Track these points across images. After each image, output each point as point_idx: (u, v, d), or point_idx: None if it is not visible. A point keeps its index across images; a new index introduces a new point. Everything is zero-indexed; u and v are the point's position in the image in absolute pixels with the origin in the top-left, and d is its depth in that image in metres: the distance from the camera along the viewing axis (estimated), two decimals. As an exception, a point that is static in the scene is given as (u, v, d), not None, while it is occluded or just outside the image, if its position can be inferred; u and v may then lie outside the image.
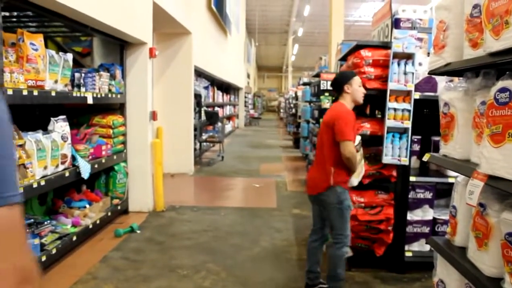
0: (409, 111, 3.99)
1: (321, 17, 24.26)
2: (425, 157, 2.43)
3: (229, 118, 19.54)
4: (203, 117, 11.30)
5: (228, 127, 17.81)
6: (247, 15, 26.26)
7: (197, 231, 5.43)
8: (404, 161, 4.03)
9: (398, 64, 4.02)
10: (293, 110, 16.74)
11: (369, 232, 4.23)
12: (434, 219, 4.13)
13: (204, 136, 11.66)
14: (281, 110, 15.03)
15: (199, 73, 10.95)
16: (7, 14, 4.30)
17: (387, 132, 4.06)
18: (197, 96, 10.18)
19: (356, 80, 3.53)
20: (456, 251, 2.15)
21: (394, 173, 4.16)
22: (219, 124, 12.67)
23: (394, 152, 4.06)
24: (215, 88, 14.71)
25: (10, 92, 3.30)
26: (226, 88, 18.52)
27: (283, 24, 30.69)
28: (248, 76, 30.42)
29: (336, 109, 3.49)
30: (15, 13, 4.37)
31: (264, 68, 49.20)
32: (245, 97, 26.84)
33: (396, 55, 4.03)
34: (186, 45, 8.98)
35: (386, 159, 4.06)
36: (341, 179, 3.42)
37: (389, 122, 4.03)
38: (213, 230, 5.46)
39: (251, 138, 18.52)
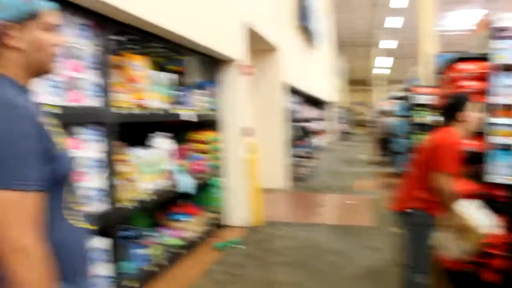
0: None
1: (410, 29, 23.54)
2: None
3: (320, 133, 19.41)
4: (295, 132, 11.31)
5: (319, 142, 17.67)
6: (335, 28, 26.11)
7: (294, 247, 5.40)
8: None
9: (501, 77, 3.71)
10: (385, 125, 16.28)
11: (476, 256, 3.93)
12: None
13: (297, 152, 11.65)
14: (371, 125, 14.60)
15: (290, 89, 10.99)
16: (113, 38, 4.61)
17: (491, 149, 3.77)
18: (289, 111, 10.22)
19: (471, 107, 3.12)
20: None
21: (502, 193, 3.84)
22: (311, 139, 12.61)
23: (501, 170, 3.74)
24: (306, 103, 14.69)
25: (119, 111, 3.52)
26: (317, 102, 18.43)
27: (371, 37, 30.13)
28: (338, 90, 30.12)
29: (443, 137, 3.19)
30: (120, 37, 4.66)
31: (353, 82, 48.40)
32: (336, 111, 26.57)
33: (498, 67, 3.74)
34: (276, 61, 9.09)
35: (492, 177, 3.76)
36: (426, 205, 3.18)
37: (493, 139, 3.74)
38: (309, 247, 5.40)
39: (343, 153, 18.25)
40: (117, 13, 3.36)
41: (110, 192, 3.43)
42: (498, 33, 3.87)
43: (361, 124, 44.03)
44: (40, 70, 1.45)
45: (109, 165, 3.42)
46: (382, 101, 22.06)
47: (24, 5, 1.37)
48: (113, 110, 3.47)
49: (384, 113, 15.77)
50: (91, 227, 1.55)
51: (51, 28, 1.44)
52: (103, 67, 3.40)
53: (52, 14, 1.45)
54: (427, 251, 3.25)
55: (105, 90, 3.39)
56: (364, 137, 28.41)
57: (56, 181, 1.36)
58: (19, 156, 1.24)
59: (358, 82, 47.67)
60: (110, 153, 3.43)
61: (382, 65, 34.32)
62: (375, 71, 35.27)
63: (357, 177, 11.39)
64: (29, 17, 1.38)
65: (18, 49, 1.38)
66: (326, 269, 4.69)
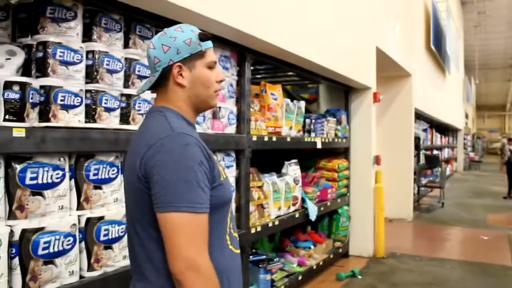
0: None
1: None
2: None
3: (447, 161, 18.41)
4: (422, 160, 10.85)
5: (447, 171, 16.75)
6: (466, 51, 24.74)
7: (421, 283, 5.11)
8: None
9: None
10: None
11: None
12: None
13: (424, 181, 11.17)
14: (506, 153, 13.49)
15: (418, 115, 10.61)
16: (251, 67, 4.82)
17: None
18: (416, 139, 9.85)
19: None
20: None
21: None
22: (439, 168, 12.00)
23: None
24: (434, 130, 14.06)
25: (254, 138, 3.64)
26: (444, 129, 17.58)
27: (507, 58, 28.07)
28: (467, 116, 28.39)
29: None
30: (256, 66, 4.85)
31: (484, 107, 45.36)
32: (464, 138, 25.05)
33: None
34: (406, 87, 8.83)
35: None
36: None
37: None
38: (439, 285, 5.06)
39: (472, 183, 17.06)
40: (256, 43, 3.48)
41: (244, 217, 3.54)
42: None
43: (493, 152, 40.90)
44: (203, 105, 1.58)
45: (244, 190, 3.54)
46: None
47: (190, 45, 1.50)
48: (250, 137, 3.59)
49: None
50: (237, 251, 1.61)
51: (212, 65, 1.56)
52: (242, 96, 3.54)
53: (212, 52, 1.57)
54: None
55: (243, 118, 3.53)
56: (497, 166, 26.33)
57: (218, 206, 1.45)
58: (191, 180, 1.34)
59: (492, 108, 44.58)
60: (245, 178, 3.55)
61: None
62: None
63: (490, 210, 10.56)
64: (195, 56, 1.52)
65: (182, 86, 1.52)
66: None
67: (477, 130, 42.50)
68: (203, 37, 1.53)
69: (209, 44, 1.55)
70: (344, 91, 5.98)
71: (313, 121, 4.96)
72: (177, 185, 1.32)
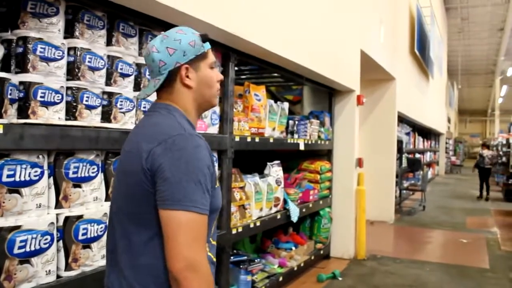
0: None
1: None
2: None
3: (429, 165, 18.60)
4: (404, 163, 10.95)
5: (428, 174, 16.93)
6: (449, 56, 25.04)
7: (402, 285, 5.15)
8: None
9: None
10: (503, 159, 15.23)
11: None
12: None
13: (405, 184, 11.26)
14: (486, 158, 13.81)
15: (401, 119, 10.70)
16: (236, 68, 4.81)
17: None
18: (399, 142, 9.93)
19: None
20: None
21: None
22: (421, 171, 12.12)
23: None
24: (416, 134, 14.19)
25: (237, 139, 3.63)
26: (427, 133, 17.75)
27: (489, 64, 28.49)
28: (449, 120, 28.73)
29: None
30: (240, 67, 4.84)
31: (466, 112, 45.96)
32: (446, 142, 25.35)
33: None
34: (389, 91, 8.90)
35: None
36: None
37: None
38: (418, 287, 5.12)
39: (454, 187, 17.27)
40: (240, 43, 3.47)
41: (225, 218, 3.53)
42: None
43: (474, 156, 41.48)
44: (207, 104, 1.63)
45: (227, 191, 3.53)
46: (502, 133, 20.67)
47: (195, 47, 1.54)
48: (233, 138, 3.58)
49: (506, 146, 14.78)
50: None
51: (214, 65, 1.61)
52: (226, 96, 3.53)
53: (211, 53, 1.62)
54: None
55: (226, 118, 3.52)
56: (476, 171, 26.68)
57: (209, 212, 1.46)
58: (200, 182, 1.37)
59: (473, 112, 45.16)
60: (227, 179, 3.54)
61: (500, 95, 32.18)
62: (495, 101, 33.05)
63: (469, 213, 10.73)
64: (199, 58, 1.55)
65: (190, 87, 1.55)
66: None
67: (459, 134, 43.04)
68: (203, 38, 1.58)
69: (208, 45, 1.60)
70: (328, 93, 6.00)
71: (297, 122, 4.96)
72: (188, 185, 1.34)
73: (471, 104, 43.08)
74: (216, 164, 3.45)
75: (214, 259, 1.59)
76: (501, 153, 16.55)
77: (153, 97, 1.64)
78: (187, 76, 1.53)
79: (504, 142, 15.69)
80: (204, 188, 1.38)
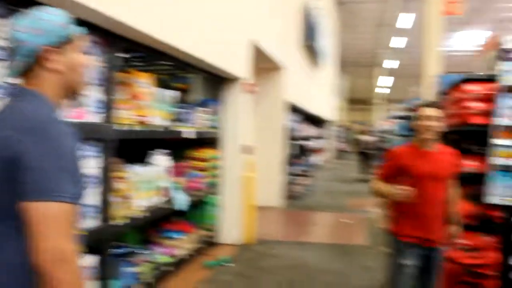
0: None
1: (412, 49, 23.71)
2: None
3: (318, 151, 19.41)
4: (293, 150, 11.32)
5: (317, 160, 17.67)
6: (338, 48, 26.28)
7: (287, 266, 5.38)
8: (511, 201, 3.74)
9: (506, 98, 3.77)
10: (384, 144, 16.30)
11: (470, 276, 3.95)
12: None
13: (294, 170, 11.65)
14: (366, 143, 14.92)
15: (291, 107, 11.02)
16: (120, 55, 4.63)
17: (492, 170, 3.79)
18: (288, 130, 10.24)
19: (422, 112, 3.11)
20: None
21: (499, 214, 3.87)
22: (309, 157, 12.63)
23: (501, 192, 3.78)
24: (305, 121, 14.72)
25: (121, 127, 3.52)
26: (316, 121, 18.47)
27: (373, 56, 30.33)
28: (337, 108, 30.19)
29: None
30: (127, 54, 4.66)
31: (354, 101, 48.53)
32: (334, 130, 26.61)
33: (503, 89, 3.78)
34: (279, 80, 9.14)
35: (491, 198, 3.79)
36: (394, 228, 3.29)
37: (495, 160, 3.77)
38: (302, 266, 5.38)
39: (340, 171, 18.25)
40: (124, 30, 3.36)
41: (104, 209, 3.41)
42: (505, 54, 3.93)
43: (358, 143, 44.08)
44: (73, 90, 1.55)
45: (106, 182, 3.41)
46: (382, 120, 22.12)
47: (63, 30, 1.46)
48: (114, 126, 3.46)
49: (386, 132, 15.87)
50: (82, 246, 1.57)
51: (82, 50, 1.55)
52: (108, 83, 3.40)
53: (82, 37, 1.56)
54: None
55: (108, 106, 3.40)
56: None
57: None
58: (66, 170, 1.32)
59: (359, 101, 47.82)
60: (107, 169, 3.42)
61: (383, 85, 34.51)
62: (377, 90, 35.39)
63: (352, 195, 11.43)
64: (67, 41, 1.48)
65: (56, 71, 1.47)
66: (319, 289, 4.68)
67: (347, 122, 45.45)
68: (73, 21, 1.51)
69: (79, 28, 1.53)
70: (218, 82, 6.01)
71: (185, 110, 4.93)
72: (53, 173, 1.29)
73: (358, 93, 45.61)
74: (98, 154, 3.31)
75: (81, 249, 1.54)
76: (381, 138, 17.70)
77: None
78: (53, 60, 1.46)
79: (384, 128, 16.77)
80: (70, 176, 1.33)
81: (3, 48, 2.40)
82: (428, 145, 3.10)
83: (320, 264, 5.50)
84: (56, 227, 1.28)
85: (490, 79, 3.97)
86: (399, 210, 3.21)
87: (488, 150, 3.84)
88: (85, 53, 1.57)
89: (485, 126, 3.86)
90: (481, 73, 4.39)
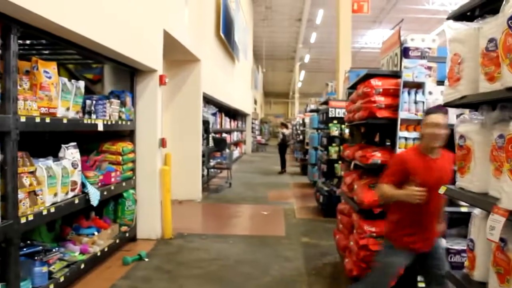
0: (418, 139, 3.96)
1: (327, 44, 24.55)
2: (441, 190, 2.39)
3: (236, 144, 19.56)
4: (211, 143, 11.32)
5: (236, 153, 17.82)
6: (255, 41, 26.58)
7: (206, 259, 5.37)
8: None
9: (409, 93, 4.03)
10: (301, 137, 16.77)
11: None
12: (447, 249, 4.06)
13: (212, 163, 11.67)
14: (284, 136, 15.39)
15: (207, 100, 11.02)
16: (21, 42, 4.35)
17: None
18: (205, 123, 10.23)
19: (429, 119, 3.08)
20: (476, 286, 2.10)
21: None
22: (227, 150, 12.69)
23: None
24: (223, 115, 14.78)
25: (23, 119, 3.33)
26: (234, 114, 18.61)
27: (290, 51, 31.03)
28: (255, 102, 30.59)
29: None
30: (29, 41, 4.42)
31: (271, 94, 49.47)
32: (252, 123, 26.94)
33: (406, 84, 4.03)
34: (195, 72, 9.08)
35: None
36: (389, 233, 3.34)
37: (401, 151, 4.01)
38: (222, 259, 5.40)
39: (259, 164, 18.51)
40: (23, 14, 3.15)
41: (11, 206, 3.22)
42: (407, 52, 4.19)
43: (277, 135, 44.95)
44: None
45: (10, 176, 3.21)
46: (300, 114, 22.69)
47: None
48: (17, 118, 3.26)
49: (302, 125, 16.32)
50: None
51: None
52: (7, 72, 3.19)
53: None
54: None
55: (9, 97, 3.19)
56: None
57: None
58: None
59: (278, 95, 48.73)
60: (11, 163, 3.22)
61: (301, 79, 35.39)
62: (295, 84, 36.22)
63: (271, 187, 11.62)
64: None
65: None
66: (239, 280, 4.72)
67: (265, 115, 46.15)
68: None
69: None
70: (130, 73, 5.84)
71: (95, 102, 4.74)
72: None
73: (275, 87, 46.48)
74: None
75: None
76: (299, 131, 18.17)
77: None
78: None
79: (301, 121, 17.24)
80: None
81: None
82: (434, 153, 3.09)
83: (239, 256, 5.54)
84: None
85: (395, 75, 4.20)
86: (398, 216, 3.22)
87: (394, 142, 4.04)
88: None
89: (391, 119, 4.07)
90: (385, 70, 4.64)
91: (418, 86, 4.05)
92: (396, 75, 4.20)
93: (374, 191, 4.03)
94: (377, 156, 4.17)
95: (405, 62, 4.25)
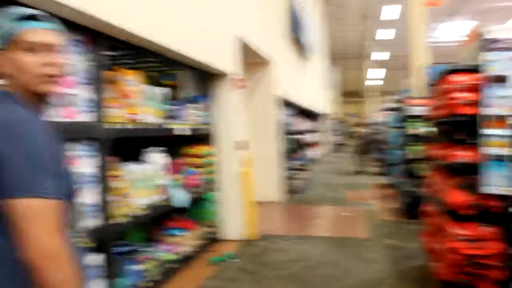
0: (508, 137, 3.68)
1: (402, 40, 23.81)
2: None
3: (312, 144, 19.44)
4: (289, 144, 11.33)
5: (313, 154, 17.69)
6: (328, 41, 26.33)
7: (289, 260, 5.37)
8: (507, 190, 3.69)
9: (493, 88, 3.75)
10: (378, 136, 16.36)
11: (471, 267, 3.91)
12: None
13: (291, 164, 11.66)
14: (362, 136, 15.07)
15: (284, 101, 11.02)
16: (106, 53, 4.61)
17: (485, 160, 3.77)
18: (282, 124, 10.24)
19: None
20: None
21: (496, 204, 3.83)
22: (304, 151, 12.64)
23: (496, 181, 3.74)
24: (299, 116, 14.74)
25: (112, 126, 3.51)
26: (310, 115, 18.50)
27: (363, 48, 30.41)
28: (330, 102, 30.25)
29: None
30: (114, 53, 4.65)
31: (346, 93, 48.64)
32: (329, 123, 26.65)
33: (490, 79, 3.77)
34: (268, 74, 9.15)
35: (487, 188, 3.74)
36: None
37: (487, 149, 3.75)
38: (304, 260, 5.37)
39: (336, 164, 18.28)
40: (110, 29, 3.36)
41: (104, 208, 3.41)
42: (489, 44, 3.90)
43: (355, 135, 44.17)
44: (30, 91, 1.44)
45: (103, 181, 3.40)
46: (375, 112, 22.17)
47: (7, 31, 1.40)
48: (106, 125, 3.45)
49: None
50: (87, 245, 1.56)
51: (33, 47, 1.42)
52: (96, 82, 3.39)
53: (34, 33, 1.43)
54: None
55: (98, 105, 3.39)
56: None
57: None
58: (40, 166, 1.30)
59: (351, 94, 47.88)
60: (103, 168, 3.41)
61: (375, 77, 34.56)
62: (367, 82, 35.47)
63: (350, 188, 11.42)
64: (11, 42, 1.41)
65: (5, 74, 1.44)
66: (322, 282, 4.67)
67: (341, 115, 45.51)
68: (27, 17, 1.42)
69: (28, 24, 1.42)
70: (207, 78, 6.00)
71: (176, 107, 4.92)
72: (30, 170, 1.28)
73: (349, 86, 45.68)
74: (91, 153, 3.30)
75: (79, 244, 1.54)
76: (376, 130, 17.73)
77: None
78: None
79: (378, 120, 16.81)
80: (49, 172, 1.32)
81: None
82: None
83: (322, 257, 5.48)
84: (38, 224, 1.28)
85: (475, 69, 3.94)
86: None
87: (479, 140, 3.81)
88: (41, 49, 1.43)
89: (474, 116, 3.83)
90: (466, 64, 4.37)
91: (503, 80, 3.77)
92: (478, 69, 3.93)
93: (463, 192, 3.83)
94: (463, 155, 3.95)
95: (488, 55, 3.96)
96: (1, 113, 1.36)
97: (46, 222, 1.29)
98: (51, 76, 1.45)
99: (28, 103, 1.44)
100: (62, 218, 1.38)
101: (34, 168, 1.29)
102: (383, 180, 12.60)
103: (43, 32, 1.44)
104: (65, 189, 1.43)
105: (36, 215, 1.27)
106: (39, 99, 1.49)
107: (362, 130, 15.54)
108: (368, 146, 15.75)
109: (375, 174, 14.53)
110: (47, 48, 1.44)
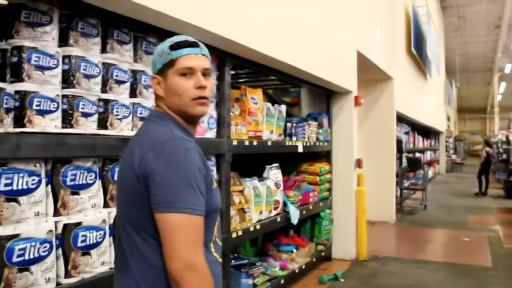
0: None
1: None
2: None
3: (430, 163, 18.58)
4: (404, 163, 10.94)
5: (429, 173, 16.91)
6: (447, 54, 25.06)
7: (404, 285, 5.15)
8: None
9: None
10: (504, 156, 15.23)
11: None
12: None
13: (406, 183, 11.25)
14: (485, 155, 14.06)
15: (400, 118, 10.69)
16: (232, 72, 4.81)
17: None
18: (398, 142, 9.93)
19: None
20: None
21: None
22: (421, 170, 12.12)
23: None
24: (416, 133, 14.20)
25: (235, 142, 3.64)
26: (426, 132, 17.75)
27: (487, 62, 28.51)
28: (448, 119, 28.72)
29: None
30: (236, 71, 4.85)
31: (466, 110, 45.89)
32: (446, 141, 25.33)
33: None
34: (387, 91, 8.92)
35: None
36: None
37: None
38: (420, 286, 5.12)
39: (455, 185, 17.25)
40: (235, 48, 3.48)
41: (226, 221, 3.53)
42: None
43: (475, 154, 41.46)
44: (184, 113, 1.56)
45: (226, 195, 3.54)
46: (501, 130, 20.65)
47: (165, 57, 1.54)
48: (230, 142, 3.59)
49: (506, 143, 14.86)
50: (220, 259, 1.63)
51: (186, 71, 1.52)
52: (222, 100, 3.54)
53: (187, 59, 1.53)
54: None
55: (223, 122, 3.53)
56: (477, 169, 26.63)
57: (207, 214, 1.47)
58: (189, 184, 1.39)
59: (472, 110, 45.12)
60: (227, 183, 3.54)
61: (499, 92, 32.19)
62: (494, 97, 33.06)
63: (471, 211, 10.70)
64: (169, 67, 1.53)
65: (161, 97, 1.57)
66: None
67: (459, 132, 43.01)
68: (181, 44, 1.54)
69: (183, 51, 1.53)
70: (325, 95, 6.01)
71: (295, 125, 4.98)
72: (179, 187, 1.37)
73: (470, 102, 43.05)
74: (214, 168, 3.45)
75: (220, 260, 1.62)
76: (501, 150, 16.54)
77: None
78: (155, 87, 1.57)
79: (504, 139, 15.68)
80: (196, 189, 1.40)
81: (127, 72, 2.61)
82: None
83: (440, 284, 5.19)
84: (182, 237, 1.36)
85: None
86: None
87: None
88: (193, 73, 1.54)
89: None
90: None
91: None
92: None
93: None
94: None
95: None
96: (158, 133, 1.49)
97: (191, 236, 1.37)
98: (203, 98, 1.56)
99: (181, 123, 1.57)
100: (205, 233, 1.46)
101: (183, 185, 1.38)
102: (508, 204, 11.66)
103: (196, 58, 1.55)
104: (213, 206, 1.52)
105: (182, 230, 1.36)
106: (192, 120, 1.61)
107: (486, 148, 14.53)
108: (492, 166, 14.69)
109: (498, 197, 13.50)
110: (200, 72, 1.55)
